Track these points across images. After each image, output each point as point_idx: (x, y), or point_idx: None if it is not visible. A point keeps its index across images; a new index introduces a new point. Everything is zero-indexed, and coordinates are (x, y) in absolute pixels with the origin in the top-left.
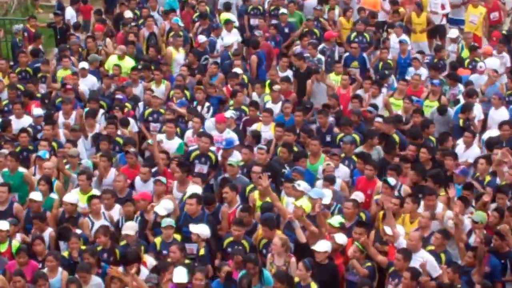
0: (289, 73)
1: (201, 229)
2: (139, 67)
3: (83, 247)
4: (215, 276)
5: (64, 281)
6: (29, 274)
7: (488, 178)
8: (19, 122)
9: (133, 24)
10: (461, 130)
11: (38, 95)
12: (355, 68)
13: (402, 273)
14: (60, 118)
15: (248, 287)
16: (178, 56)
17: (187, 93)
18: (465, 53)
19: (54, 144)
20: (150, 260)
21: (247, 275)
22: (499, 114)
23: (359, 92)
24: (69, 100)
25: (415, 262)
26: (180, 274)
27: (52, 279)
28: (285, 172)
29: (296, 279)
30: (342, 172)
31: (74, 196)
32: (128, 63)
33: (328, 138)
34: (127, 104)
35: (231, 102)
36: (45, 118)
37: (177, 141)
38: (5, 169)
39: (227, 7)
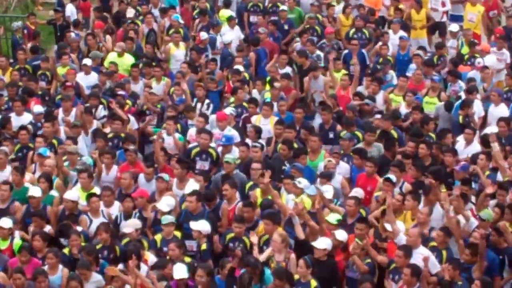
0: (288, 69)
1: (201, 225)
2: (140, 64)
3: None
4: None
5: (65, 278)
6: (30, 272)
7: (487, 173)
8: (19, 119)
9: (130, 21)
10: (461, 127)
11: (39, 92)
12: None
13: (402, 269)
14: (60, 115)
15: (249, 284)
16: (177, 52)
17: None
18: (465, 50)
19: (54, 141)
20: (151, 258)
21: (248, 273)
22: (499, 110)
23: (360, 89)
24: (69, 97)
25: (415, 259)
26: (180, 270)
27: (52, 276)
28: (285, 169)
29: (296, 276)
30: (343, 169)
31: (75, 193)
32: (128, 60)
33: (331, 135)
34: (127, 101)
35: (232, 99)
36: (45, 115)
37: (177, 137)
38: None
39: (227, 4)
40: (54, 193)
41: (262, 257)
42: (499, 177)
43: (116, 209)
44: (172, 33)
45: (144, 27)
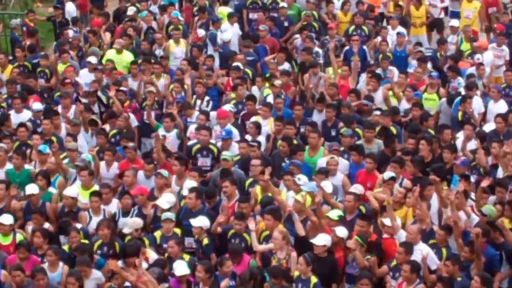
0: (286, 66)
1: (202, 221)
2: (139, 61)
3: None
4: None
5: (65, 275)
6: (28, 269)
7: None
8: (19, 117)
9: (128, 19)
10: (460, 123)
11: (38, 89)
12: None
13: (402, 266)
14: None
15: (250, 280)
16: (177, 49)
17: (186, 87)
18: (464, 46)
19: (53, 138)
20: (152, 255)
21: (248, 271)
22: (498, 107)
23: (360, 85)
24: (68, 94)
25: (414, 255)
26: (181, 267)
27: (53, 273)
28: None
29: (296, 273)
30: (342, 165)
31: (74, 190)
32: (127, 57)
33: (333, 133)
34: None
35: (233, 95)
36: (44, 112)
37: (174, 132)
38: (10, 167)
39: (226, 1)
40: (52, 190)
41: (260, 248)
42: (499, 175)
43: (114, 206)
44: (171, 29)
45: (143, 24)
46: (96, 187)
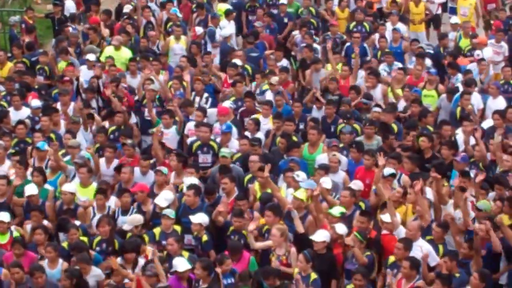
0: (284, 62)
1: (201, 218)
2: (138, 58)
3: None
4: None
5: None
6: (26, 265)
7: None
8: (18, 114)
9: (126, 16)
10: (459, 120)
11: (36, 86)
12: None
13: (401, 263)
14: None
15: (250, 278)
16: (176, 46)
17: (185, 84)
18: (463, 42)
19: (52, 135)
20: (152, 252)
21: (248, 270)
22: (497, 103)
23: (359, 81)
24: (66, 91)
25: (413, 251)
26: (182, 263)
27: (52, 270)
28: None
29: (296, 270)
30: (342, 162)
31: (73, 186)
32: (125, 53)
33: (333, 129)
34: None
35: (232, 92)
36: (43, 110)
37: (173, 129)
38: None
39: None
40: (48, 186)
41: (258, 246)
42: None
43: (112, 203)
44: (170, 26)
45: (142, 19)
46: (94, 185)
